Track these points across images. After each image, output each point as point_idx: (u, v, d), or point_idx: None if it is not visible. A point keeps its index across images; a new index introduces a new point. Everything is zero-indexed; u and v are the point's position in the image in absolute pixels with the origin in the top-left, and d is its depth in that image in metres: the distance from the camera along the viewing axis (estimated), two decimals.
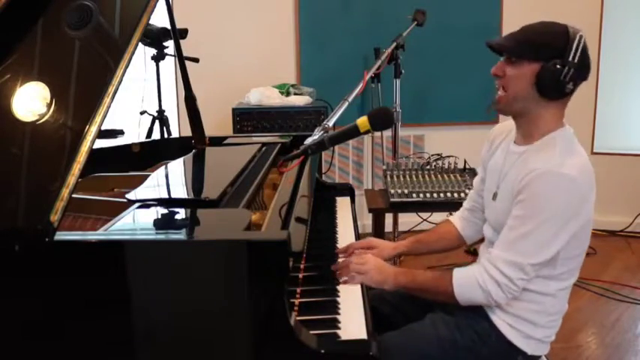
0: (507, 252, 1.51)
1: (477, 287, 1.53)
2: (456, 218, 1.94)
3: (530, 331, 1.61)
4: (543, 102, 1.56)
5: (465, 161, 2.87)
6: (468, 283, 1.55)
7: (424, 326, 1.66)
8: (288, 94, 3.83)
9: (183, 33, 3.04)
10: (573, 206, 1.50)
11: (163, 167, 1.98)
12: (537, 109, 1.58)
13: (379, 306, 1.79)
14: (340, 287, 1.65)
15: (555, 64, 1.51)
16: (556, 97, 1.56)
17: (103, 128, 1.36)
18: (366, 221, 4.00)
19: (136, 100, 3.85)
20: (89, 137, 1.33)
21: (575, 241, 1.56)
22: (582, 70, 1.55)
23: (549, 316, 1.63)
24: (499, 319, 1.62)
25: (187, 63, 2.31)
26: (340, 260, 1.80)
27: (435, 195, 2.69)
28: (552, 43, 1.53)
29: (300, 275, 1.69)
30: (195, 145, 2.31)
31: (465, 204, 1.93)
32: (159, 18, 3.07)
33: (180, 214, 1.50)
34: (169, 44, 3.38)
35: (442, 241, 1.95)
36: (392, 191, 2.72)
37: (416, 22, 3.49)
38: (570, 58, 1.52)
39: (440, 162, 2.92)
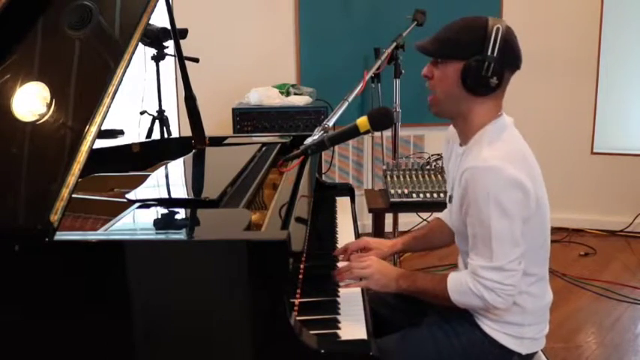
0: (483, 259, 1.50)
1: (471, 294, 1.52)
2: (444, 216, 1.94)
3: (519, 332, 1.61)
4: (474, 98, 1.56)
5: None
6: (462, 290, 1.55)
7: (422, 331, 1.66)
8: (288, 94, 3.83)
9: (183, 33, 3.04)
10: (511, 194, 1.47)
11: (163, 167, 1.98)
12: (469, 106, 1.58)
13: (377, 308, 1.79)
14: (340, 287, 1.65)
15: (476, 60, 1.51)
16: (484, 93, 1.55)
17: (103, 128, 1.36)
18: (366, 221, 4.00)
19: (136, 100, 3.84)
20: (89, 137, 1.33)
21: (531, 228, 1.53)
22: (507, 61, 1.54)
23: (533, 314, 1.62)
24: (488, 327, 1.61)
25: (187, 63, 2.31)
26: (340, 264, 1.78)
27: (435, 195, 2.69)
28: (471, 40, 1.53)
29: (300, 275, 1.69)
30: (195, 145, 2.31)
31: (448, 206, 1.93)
32: (159, 18, 3.07)
33: (180, 214, 1.50)
34: (169, 44, 3.38)
35: (437, 235, 1.94)
36: (392, 191, 2.72)
37: (416, 22, 3.48)
38: (489, 52, 1.51)
39: (440, 162, 2.91)
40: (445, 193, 2.66)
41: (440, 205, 2.67)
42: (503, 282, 1.49)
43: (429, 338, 1.64)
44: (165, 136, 3.53)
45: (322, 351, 1.28)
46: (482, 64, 1.50)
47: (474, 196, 1.49)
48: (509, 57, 1.54)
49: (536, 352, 1.66)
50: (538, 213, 1.54)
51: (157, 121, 3.55)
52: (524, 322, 1.61)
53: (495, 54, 1.51)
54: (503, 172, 1.46)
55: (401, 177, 2.83)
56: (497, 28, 1.52)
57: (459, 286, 1.55)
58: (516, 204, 1.48)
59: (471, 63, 1.51)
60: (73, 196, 1.29)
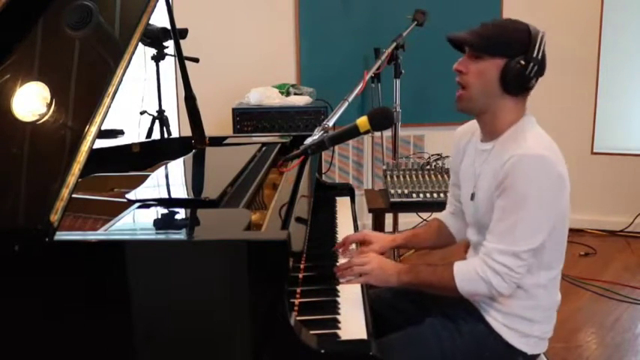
0: (501, 243, 1.52)
1: (478, 279, 1.54)
2: (444, 217, 1.95)
3: (527, 329, 1.62)
4: (505, 97, 1.58)
5: None
6: (468, 276, 1.56)
7: (424, 330, 1.66)
8: (288, 94, 3.83)
9: (183, 33, 3.04)
10: (552, 187, 1.52)
11: (163, 167, 1.98)
12: (499, 104, 1.60)
13: (377, 307, 1.78)
14: (340, 287, 1.65)
15: (519, 61, 1.54)
16: (519, 93, 1.59)
17: (103, 128, 1.36)
18: (366, 221, 4.00)
19: (136, 100, 3.84)
20: (89, 137, 1.33)
21: (560, 224, 1.57)
22: (542, 66, 1.58)
23: (544, 311, 1.63)
24: (496, 322, 1.62)
25: (187, 63, 2.31)
26: (340, 262, 1.79)
27: (435, 195, 2.68)
28: (517, 40, 1.56)
29: (300, 275, 1.69)
30: (195, 145, 2.31)
31: (448, 207, 1.94)
32: (159, 18, 3.07)
33: (180, 214, 1.50)
34: (169, 44, 3.38)
35: (436, 236, 1.95)
36: (392, 191, 2.72)
37: (416, 22, 3.49)
38: (534, 55, 1.54)
39: (440, 162, 2.92)
40: (445, 193, 2.67)
41: (440, 205, 2.66)
42: (513, 269, 1.51)
43: (432, 337, 1.64)
44: (166, 136, 3.53)
45: (322, 351, 1.28)
46: (527, 65, 1.53)
47: (514, 180, 1.50)
48: (545, 63, 1.58)
49: (539, 355, 1.66)
50: (566, 212, 1.58)
51: (156, 121, 3.55)
52: (534, 317, 1.62)
53: (539, 57, 1.55)
54: (551, 163, 1.51)
55: (401, 177, 2.83)
56: (542, 33, 1.56)
57: (466, 273, 1.56)
58: (555, 197, 1.52)
59: (516, 62, 1.54)
60: (73, 196, 1.29)
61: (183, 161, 2.07)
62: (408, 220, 3.94)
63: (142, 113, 3.60)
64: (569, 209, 1.60)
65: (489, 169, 1.59)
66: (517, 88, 1.57)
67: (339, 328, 1.43)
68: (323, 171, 3.19)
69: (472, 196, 1.68)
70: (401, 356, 1.60)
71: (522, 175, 1.50)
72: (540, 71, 1.57)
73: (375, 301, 1.80)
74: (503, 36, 1.57)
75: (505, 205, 1.52)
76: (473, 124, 1.73)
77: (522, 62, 1.53)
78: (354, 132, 1.74)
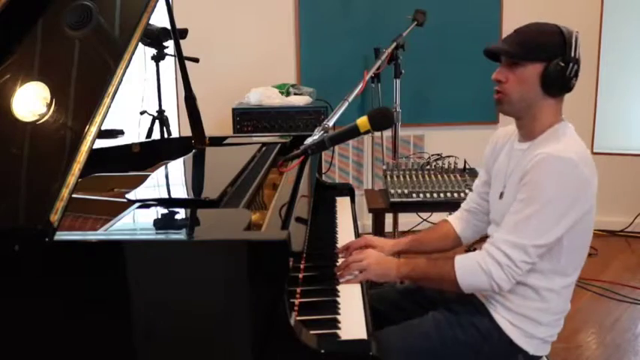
0: (510, 234, 1.53)
1: (478, 270, 1.54)
2: (455, 219, 1.94)
3: (533, 329, 1.62)
4: (546, 99, 1.60)
5: (465, 161, 2.87)
6: (469, 267, 1.56)
7: (425, 322, 1.67)
8: (288, 94, 3.83)
9: (183, 33, 3.04)
10: (575, 190, 1.52)
11: (163, 167, 1.98)
12: (540, 106, 1.61)
13: (378, 305, 1.79)
14: (340, 287, 1.65)
15: (558, 62, 1.55)
16: (561, 93, 1.61)
17: (103, 128, 1.36)
18: (366, 221, 4.00)
19: (136, 100, 3.85)
20: (89, 137, 1.32)
21: (579, 230, 1.57)
22: (579, 65, 1.60)
23: (553, 315, 1.63)
24: (501, 317, 1.62)
25: (187, 63, 2.31)
26: (341, 261, 1.79)
27: (435, 195, 2.69)
28: (552, 43, 1.57)
29: (300, 275, 1.69)
30: (195, 145, 2.31)
31: (464, 205, 1.94)
32: (159, 18, 3.07)
33: (180, 214, 1.50)
34: (169, 44, 3.38)
35: (441, 240, 1.96)
36: (392, 191, 2.72)
37: (416, 22, 3.49)
38: (572, 55, 1.56)
39: (440, 162, 2.92)
40: (445, 193, 2.67)
41: (440, 205, 2.69)
42: (516, 262, 1.52)
43: (432, 327, 1.65)
44: (166, 136, 3.53)
45: (322, 351, 1.28)
46: (567, 66, 1.55)
47: (536, 176, 1.52)
48: (580, 61, 1.59)
49: (540, 357, 1.66)
50: (587, 218, 1.58)
51: (156, 121, 3.55)
52: (541, 320, 1.62)
53: (577, 56, 1.57)
54: (576, 166, 1.51)
55: (401, 177, 2.83)
56: (576, 33, 1.58)
57: (468, 265, 1.57)
58: (575, 200, 1.52)
59: (555, 64, 1.55)
60: (73, 196, 1.29)
61: (183, 161, 2.07)
62: (408, 220, 3.94)
63: (142, 113, 3.60)
64: (592, 217, 1.60)
65: (519, 169, 1.61)
66: (559, 89, 1.59)
67: (339, 328, 1.43)
68: (323, 171, 3.19)
69: (501, 195, 1.69)
70: (400, 345, 1.61)
71: (545, 172, 1.51)
72: (579, 69, 1.59)
73: (377, 299, 1.80)
74: (539, 40, 1.58)
75: (523, 199, 1.54)
76: (514, 127, 1.74)
77: (561, 63, 1.55)
78: (354, 132, 1.74)
